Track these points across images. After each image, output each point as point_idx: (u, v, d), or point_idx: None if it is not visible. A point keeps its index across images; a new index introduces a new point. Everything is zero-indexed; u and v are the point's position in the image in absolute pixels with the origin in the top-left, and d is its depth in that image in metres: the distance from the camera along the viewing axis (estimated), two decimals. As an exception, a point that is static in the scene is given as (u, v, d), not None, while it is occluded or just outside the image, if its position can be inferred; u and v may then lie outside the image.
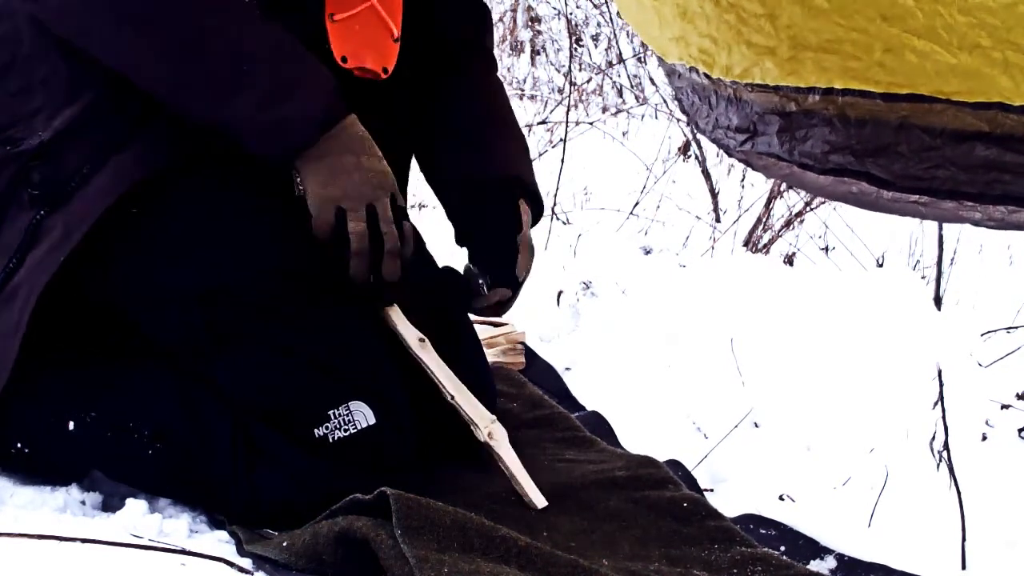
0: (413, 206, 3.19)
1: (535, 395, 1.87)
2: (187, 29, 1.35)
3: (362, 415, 1.42)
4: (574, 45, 6.50)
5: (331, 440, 1.41)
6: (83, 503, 1.41)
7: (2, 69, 1.42)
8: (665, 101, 4.28)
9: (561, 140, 4.13)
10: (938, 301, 2.95)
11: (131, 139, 1.38)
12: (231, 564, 1.20)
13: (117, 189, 1.36)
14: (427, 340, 1.53)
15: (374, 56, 1.57)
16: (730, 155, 1.30)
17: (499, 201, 1.66)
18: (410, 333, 1.53)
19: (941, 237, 3.01)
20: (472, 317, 1.79)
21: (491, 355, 1.95)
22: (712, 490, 1.73)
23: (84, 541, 1.15)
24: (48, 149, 1.38)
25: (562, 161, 3.62)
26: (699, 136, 4.14)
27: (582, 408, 1.98)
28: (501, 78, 1.79)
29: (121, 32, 1.35)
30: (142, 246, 1.40)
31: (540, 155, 4.08)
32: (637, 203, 3.92)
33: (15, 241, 1.38)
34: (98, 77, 1.38)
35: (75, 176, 1.37)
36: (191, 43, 1.35)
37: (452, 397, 1.51)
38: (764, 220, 3.75)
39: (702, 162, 4.11)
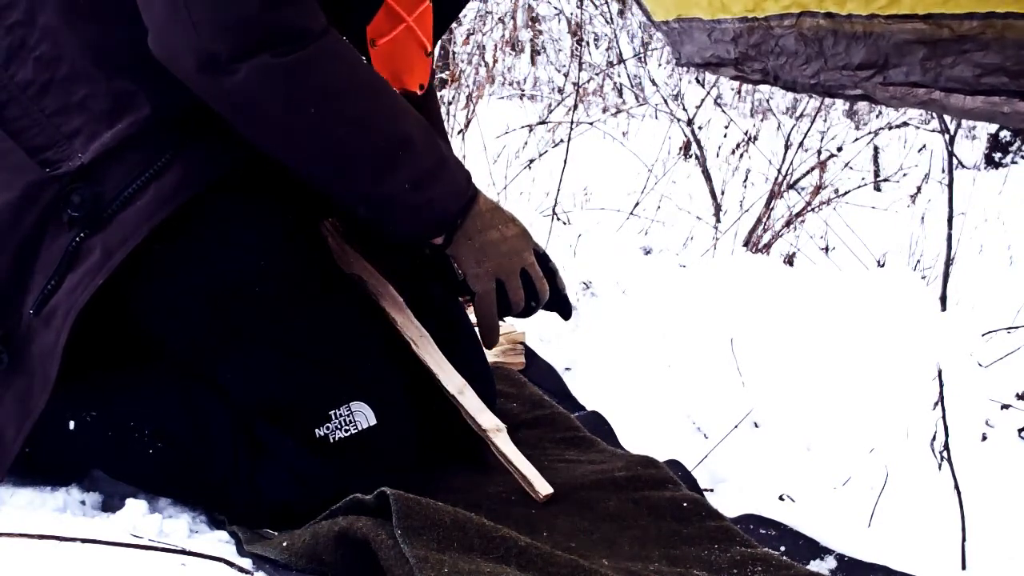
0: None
1: (535, 395, 1.87)
2: (356, 116, 1.39)
3: (363, 415, 1.42)
4: (575, 45, 6.51)
5: (332, 440, 1.41)
6: (83, 503, 1.41)
7: (40, 89, 1.41)
8: (665, 101, 4.28)
9: (562, 141, 4.13)
10: (943, 300, 2.95)
11: (171, 164, 1.38)
12: (231, 564, 1.20)
13: (158, 215, 1.36)
14: (428, 336, 1.54)
15: (412, 76, 1.63)
16: (831, 95, 1.31)
17: None
18: (411, 330, 1.54)
19: (950, 236, 3.01)
20: (472, 318, 1.79)
21: (491, 355, 1.94)
22: (712, 490, 1.73)
23: (84, 541, 1.15)
24: (88, 172, 1.37)
25: (564, 161, 3.62)
26: (699, 136, 4.15)
27: (582, 408, 1.98)
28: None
29: (291, 117, 1.36)
30: (150, 252, 1.39)
31: (540, 155, 4.08)
32: (637, 203, 3.92)
33: (54, 263, 1.38)
34: (137, 101, 1.38)
35: (116, 199, 1.37)
36: (359, 129, 1.39)
37: (453, 396, 1.51)
38: (764, 220, 3.76)
39: (702, 162, 4.11)
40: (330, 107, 1.37)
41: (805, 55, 1.25)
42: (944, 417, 1.68)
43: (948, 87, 1.12)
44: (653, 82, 4.48)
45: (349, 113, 1.38)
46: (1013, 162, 6.84)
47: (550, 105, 4.94)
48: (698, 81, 4.47)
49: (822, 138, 4.15)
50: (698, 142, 4.14)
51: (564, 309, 1.62)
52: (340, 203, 1.46)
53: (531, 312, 1.58)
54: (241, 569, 1.20)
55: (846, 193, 4.08)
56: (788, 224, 3.77)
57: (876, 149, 5.48)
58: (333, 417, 1.42)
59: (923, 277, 3.66)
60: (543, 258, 1.59)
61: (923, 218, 4.08)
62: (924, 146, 5.29)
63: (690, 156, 4.40)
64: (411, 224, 1.45)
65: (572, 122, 3.83)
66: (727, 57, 1.37)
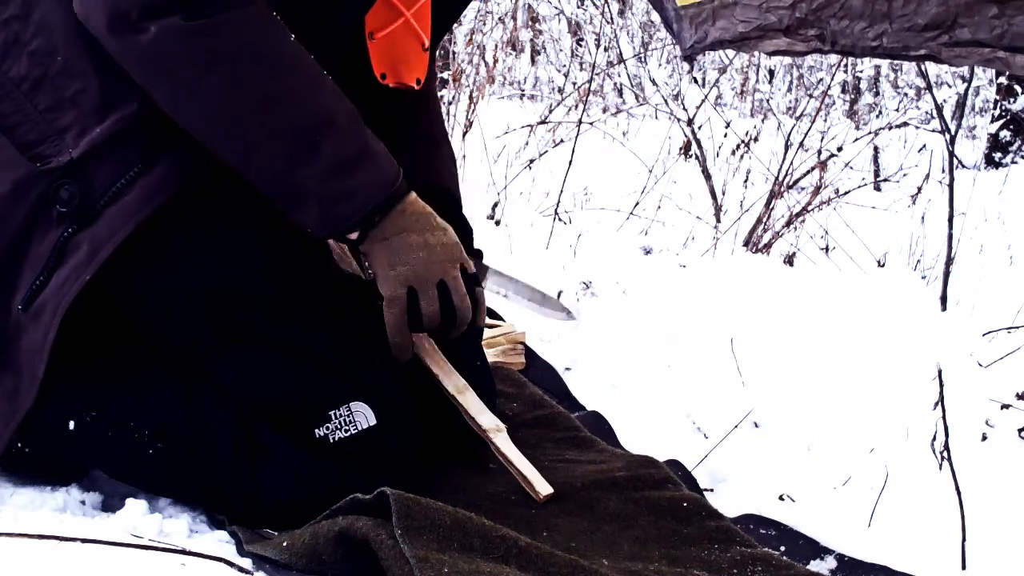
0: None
1: (535, 395, 1.87)
2: (268, 90, 1.34)
3: (363, 415, 1.42)
4: (575, 45, 6.51)
5: (332, 440, 1.41)
6: (83, 503, 1.41)
7: (33, 84, 1.41)
8: (665, 101, 4.28)
9: (562, 141, 4.13)
10: (943, 300, 2.95)
11: (159, 159, 1.37)
12: (231, 564, 1.20)
13: (144, 210, 1.36)
14: (428, 336, 1.53)
15: (409, 70, 1.62)
16: (893, 58, 1.34)
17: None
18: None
19: (950, 236, 3.01)
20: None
21: (491, 355, 1.95)
22: (712, 490, 1.73)
23: (84, 541, 1.15)
24: (77, 167, 1.37)
25: (570, 162, 3.63)
26: (699, 136, 4.15)
27: (582, 408, 1.98)
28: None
29: (196, 83, 1.33)
30: (147, 247, 1.40)
31: (541, 155, 4.08)
32: (637, 203, 3.92)
33: (43, 259, 1.38)
34: (127, 97, 1.38)
35: (104, 195, 1.37)
36: (271, 104, 1.34)
37: (453, 396, 1.51)
38: (764, 220, 3.76)
39: (702, 162, 4.11)
40: (240, 79, 1.33)
41: (870, 17, 1.27)
42: (944, 417, 1.68)
43: (1013, 46, 1.15)
44: (653, 82, 4.48)
45: (262, 87, 1.34)
46: (1013, 162, 6.84)
47: (550, 105, 4.94)
48: (696, 81, 4.47)
49: (822, 138, 4.15)
50: (698, 142, 4.14)
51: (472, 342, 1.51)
52: (256, 187, 1.39)
53: (448, 332, 1.46)
54: (241, 569, 1.20)
55: (846, 193, 4.08)
56: (788, 224, 3.77)
57: (876, 149, 5.49)
58: (333, 417, 1.42)
59: (923, 277, 3.66)
60: (472, 279, 1.47)
61: (923, 218, 4.09)
62: (924, 146, 5.30)
63: (690, 156, 4.40)
64: (323, 216, 1.37)
65: (580, 121, 3.83)
66: (776, 25, 1.38)
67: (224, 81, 1.33)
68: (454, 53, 5.02)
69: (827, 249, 3.96)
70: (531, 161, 4.03)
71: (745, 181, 4.19)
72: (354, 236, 1.41)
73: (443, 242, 1.43)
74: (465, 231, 1.72)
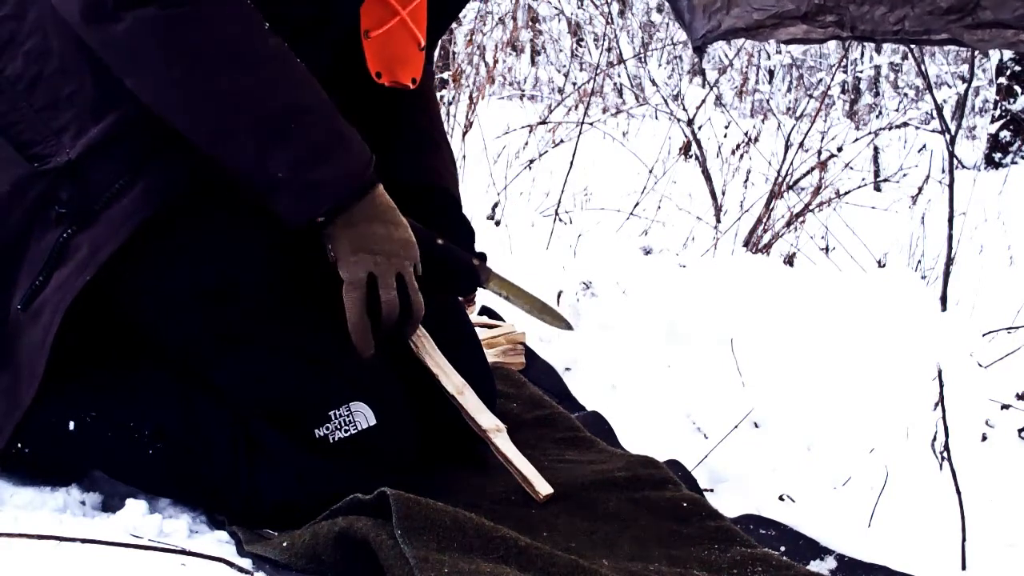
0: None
1: (535, 395, 1.87)
2: (238, 77, 1.34)
3: (363, 416, 1.42)
4: (575, 45, 6.51)
5: (331, 440, 1.41)
6: (83, 503, 1.41)
7: (29, 84, 1.41)
8: (665, 101, 4.28)
9: (563, 141, 4.14)
10: (944, 300, 2.96)
11: (156, 159, 1.37)
12: (231, 564, 1.20)
13: (144, 211, 1.36)
14: (428, 336, 1.54)
15: (404, 69, 1.62)
16: (915, 42, 1.34)
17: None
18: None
19: (950, 236, 3.02)
20: (473, 318, 1.79)
21: (491, 355, 1.95)
22: (712, 490, 1.73)
23: (84, 541, 1.15)
24: (75, 168, 1.37)
25: (571, 163, 3.63)
26: (699, 136, 4.15)
27: (582, 408, 1.98)
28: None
29: (172, 73, 1.33)
30: (145, 248, 1.40)
31: (541, 155, 4.09)
32: (637, 203, 3.92)
33: (42, 259, 1.38)
34: (124, 96, 1.37)
35: (103, 195, 1.36)
36: (244, 93, 1.34)
37: (453, 397, 1.51)
38: (764, 220, 3.76)
39: (702, 162, 4.12)
40: (214, 68, 1.33)
41: (892, 1, 1.27)
42: (944, 417, 1.68)
43: None
44: (653, 82, 4.49)
45: (235, 77, 1.34)
46: (1013, 162, 6.85)
47: (550, 105, 4.94)
48: (701, 73, 4.47)
49: (822, 138, 4.16)
50: (698, 142, 4.15)
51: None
52: (230, 175, 1.38)
53: (401, 328, 1.46)
54: (241, 569, 1.20)
55: (846, 193, 4.09)
56: (788, 224, 3.77)
57: (876, 149, 5.50)
58: (333, 417, 1.42)
59: (923, 277, 3.67)
60: (420, 279, 1.47)
61: (923, 218, 4.09)
62: (924, 146, 5.31)
63: (690, 156, 4.41)
64: (296, 204, 1.37)
65: (580, 122, 3.83)
66: (794, 12, 1.38)
67: (198, 70, 1.33)
68: (454, 53, 5.02)
69: (827, 249, 3.96)
70: (531, 161, 4.03)
71: (745, 181, 4.19)
72: (320, 219, 1.40)
73: (404, 238, 1.44)
74: (466, 232, 1.72)
